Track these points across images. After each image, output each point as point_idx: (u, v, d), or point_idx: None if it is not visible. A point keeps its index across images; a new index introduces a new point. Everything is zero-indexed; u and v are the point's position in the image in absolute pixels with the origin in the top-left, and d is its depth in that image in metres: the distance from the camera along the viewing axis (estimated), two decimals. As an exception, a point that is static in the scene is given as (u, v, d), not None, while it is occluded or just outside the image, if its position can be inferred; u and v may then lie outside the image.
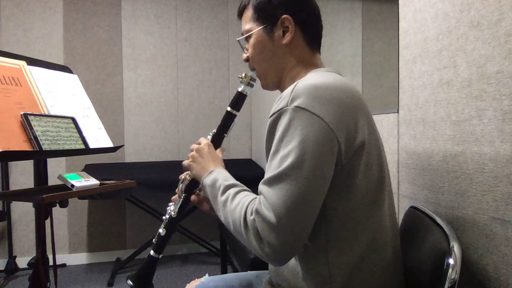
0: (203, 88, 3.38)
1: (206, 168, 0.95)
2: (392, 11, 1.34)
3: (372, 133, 0.82)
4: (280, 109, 0.75)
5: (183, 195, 1.04)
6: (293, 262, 0.86)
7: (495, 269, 0.84)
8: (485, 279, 0.87)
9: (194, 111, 3.36)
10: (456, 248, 0.74)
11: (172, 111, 3.31)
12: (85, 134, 1.39)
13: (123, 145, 1.76)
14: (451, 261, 0.72)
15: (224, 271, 2.44)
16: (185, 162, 1.01)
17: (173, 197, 1.08)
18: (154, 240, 1.07)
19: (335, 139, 0.72)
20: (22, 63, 1.34)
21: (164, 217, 1.07)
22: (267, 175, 0.74)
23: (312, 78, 0.79)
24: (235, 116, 1.06)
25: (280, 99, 0.78)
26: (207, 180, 0.91)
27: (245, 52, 1.00)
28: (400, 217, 1.18)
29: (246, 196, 0.79)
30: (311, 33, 0.94)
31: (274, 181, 0.71)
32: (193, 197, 1.05)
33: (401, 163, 1.26)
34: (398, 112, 1.28)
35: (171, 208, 1.05)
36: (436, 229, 0.85)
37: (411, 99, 1.19)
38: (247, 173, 2.84)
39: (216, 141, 1.04)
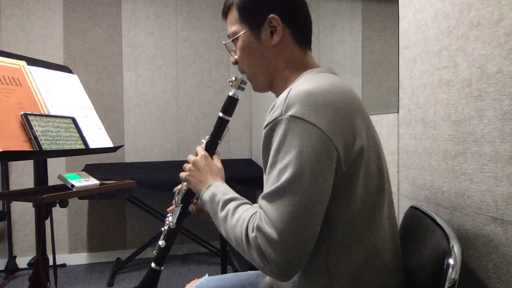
0: (203, 88, 3.38)
1: (204, 181, 0.93)
2: (392, 11, 1.34)
3: (371, 137, 0.80)
4: (275, 119, 0.73)
5: (181, 205, 1.03)
6: None
7: (495, 269, 0.84)
8: (485, 279, 0.87)
9: (194, 111, 3.36)
10: (456, 248, 0.73)
11: (172, 111, 3.31)
12: (85, 134, 1.39)
13: (123, 145, 1.76)
14: (451, 261, 0.72)
15: (224, 271, 2.45)
16: (182, 175, 1.00)
17: (170, 208, 1.07)
18: (154, 252, 1.07)
19: (333, 147, 0.70)
20: (22, 63, 1.34)
21: (163, 229, 1.06)
22: (266, 189, 0.72)
23: (305, 83, 0.76)
24: (227, 121, 1.02)
25: (273, 108, 0.75)
26: (205, 195, 0.89)
27: (233, 55, 0.96)
28: (400, 217, 1.18)
29: (246, 211, 0.77)
30: (300, 31, 0.90)
31: (273, 196, 0.70)
32: (191, 207, 1.04)
33: (401, 163, 1.26)
34: (398, 112, 1.28)
35: (169, 220, 1.05)
36: (436, 229, 0.84)
37: (411, 99, 1.19)
38: (247, 173, 2.84)
39: (210, 149, 1.02)
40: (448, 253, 0.73)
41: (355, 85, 2.12)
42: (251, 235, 0.71)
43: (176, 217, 1.04)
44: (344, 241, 0.77)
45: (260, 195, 0.73)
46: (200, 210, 1.05)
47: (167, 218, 1.06)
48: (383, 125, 1.38)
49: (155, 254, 1.06)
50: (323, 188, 0.70)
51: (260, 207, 0.72)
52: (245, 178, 2.80)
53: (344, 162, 0.72)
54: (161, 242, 1.05)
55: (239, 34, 0.90)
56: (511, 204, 0.81)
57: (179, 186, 1.06)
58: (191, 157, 1.00)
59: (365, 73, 2.10)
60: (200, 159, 0.97)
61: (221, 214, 0.81)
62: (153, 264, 1.06)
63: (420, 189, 1.15)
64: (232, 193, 0.86)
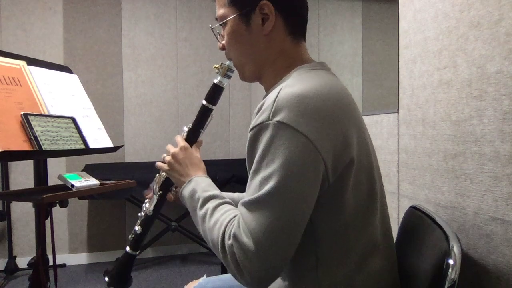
0: (203, 88, 3.38)
1: (184, 176, 0.90)
2: (392, 11, 1.34)
3: (362, 142, 0.76)
4: (261, 123, 0.68)
5: (159, 193, 1.00)
6: (282, 281, 0.80)
7: (495, 269, 0.84)
8: (485, 279, 0.87)
9: (194, 111, 3.32)
10: (456, 248, 0.73)
11: (172, 111, 3.31)
12: (85, 134, 1.39)
13: (123, 145, 1.76)
14: (451, 261, 0.72)
15: (224, 271, 2.44)
16: (162, 167, 0.96)
17: (148, 195, 1.03)
18: (130, 236, 1.05)
19: (321, 159, 0.67)
20: (22, 63, 1.34)
21: (139, 214, 1.04)
22: (247, 196, 0.69)
23: (296, 84, 0.71)
24: (211, 110, 0.97)
25: (261, 110, 0.71)
26: (185, 191, 0.86)
27: (220, 39, 0.90)
28: (400, 217, 1.18)
29: (225, 213, 0.74)
30: (294, 21, 0.83)
31: (253, 205, 0.67)
32: (169, 196, 1.01)
33: (401, 163, 1.26)
34: (398, 112, 1.28)
35: (146, 206, 1.02)
36: (436, 229, 0.84)
37: (411, 99, 1.19)
38: (247, 173, 2.84)
39: (192, 138, 0.98)
40: (448, 253, 0.73)
41: (355, 85, 2.12)
42: (227, 242, 0.68)
43: (153, 204, 1.01)
44: (334, 252, 0.74)
45: (240, 201, 0.71)
46: (178, 198, 1.00)
47: (144, 204, 1.03)
48: (383, 125, 1.38)
49: (131, 238, 1.04)
50: (306, 202, 0.68)
51: (240, 213, 0.70)
52: (245, 178, 2.79)
53: (332, 174, 0.69)
54: (137, 228, 1.03)
55: (227, 19, 0.83)
56: (511, 204, 0.81)
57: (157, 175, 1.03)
58: (170, 148, 0.95)
59: (365, 73, 2.10)
60: (179, 152, 0.93)
61: (200, 213, 0.79)
62: (128, 249, 1.04)
63: (420, 189, 1.15)
64: (213, 189, 0.83)
